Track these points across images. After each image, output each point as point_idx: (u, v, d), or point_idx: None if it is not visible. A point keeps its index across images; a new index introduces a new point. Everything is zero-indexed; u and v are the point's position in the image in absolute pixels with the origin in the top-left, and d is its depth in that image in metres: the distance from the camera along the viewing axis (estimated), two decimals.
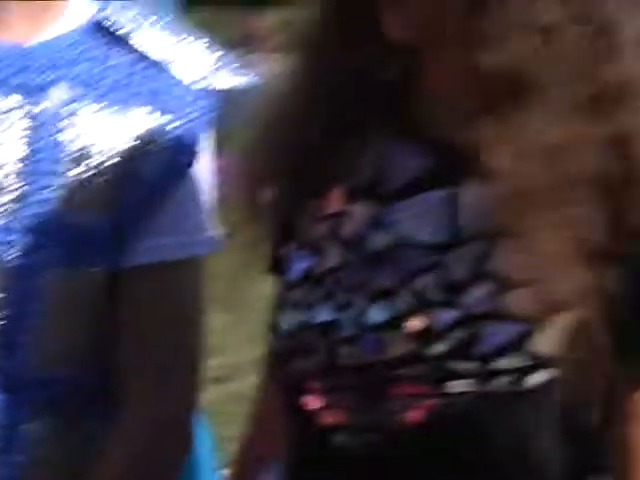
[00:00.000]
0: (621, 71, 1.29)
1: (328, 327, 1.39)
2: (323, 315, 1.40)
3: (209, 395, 2.34)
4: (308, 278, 1.44)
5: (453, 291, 1.34)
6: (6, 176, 1.56)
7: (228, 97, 1.75)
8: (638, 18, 1.33)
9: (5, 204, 1.56)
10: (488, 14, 1.28)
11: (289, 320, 1.43)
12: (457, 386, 1.31)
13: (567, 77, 1.30)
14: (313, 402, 1.40)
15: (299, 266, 1.46)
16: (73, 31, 1.64)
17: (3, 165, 1.56)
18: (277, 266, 1.53)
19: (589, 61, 1.29)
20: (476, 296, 1.33)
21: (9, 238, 1.55)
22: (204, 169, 1.68)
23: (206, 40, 1.80)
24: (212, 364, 2.46)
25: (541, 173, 1.27)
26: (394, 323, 1.34)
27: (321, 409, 1.40)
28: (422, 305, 1.34)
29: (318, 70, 1.47)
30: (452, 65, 1.37)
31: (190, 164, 1.65)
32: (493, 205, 1.31)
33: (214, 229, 1.68)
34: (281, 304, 1.46)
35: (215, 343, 2.53)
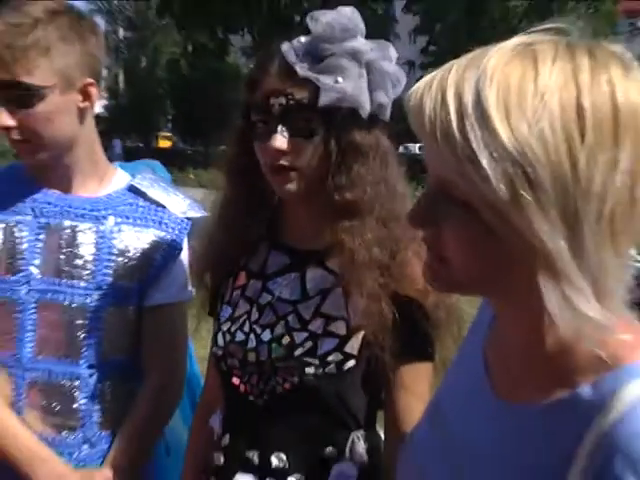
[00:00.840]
0: (391, 208, 1.54)
1: (242, 343, 1.61)
2: (239, 337, 1.62)
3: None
4: (230, 318, 1.66)
5: (304, 323, 1.56)
6: (85, 261, 1.82)
7: (195, 221, 1.97)
8: (401, 180, 1.60)
9: (85, 276, 1.81)
10: (343, 174, 1.51)
11: (221, 339, 1.65)
12: (309, 370, 1.52)
13: (376, 208, 1.53)
14: (236, 380, 1.62)
15: (225, 312, 1.68)
16: (118, 190, 1.92)
17: (83, 256, 1.82)
18: (214, 311, 1.74)
19: (381, 202, 1.54)
20: (316, 325, 1.55)
21: (89, 292, 1.80)
22: (185, 255, 1.95)
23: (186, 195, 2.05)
24: None
25: (367, 253, 1.50)
26: (275, 340, 1.57)
27: (239, 384, 1.62)
28: (289, 330, 1.57)
29: (234, 213, 1.66)
30: (304, 204, 1.59)
31: (179, 253, 1.93)
32: (341, 270, 1.53)
33: (190, 287, 1.94)
34: (217, 331, 1.68)
35: None
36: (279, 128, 1.48)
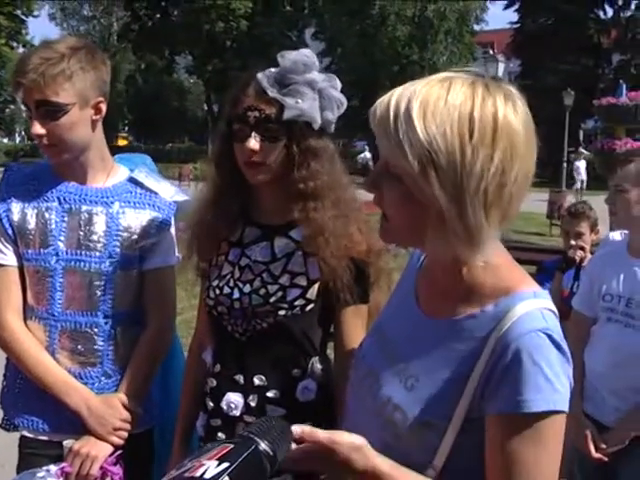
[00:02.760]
0: (339, 194, 1.62)
1: (228, 295, 1.65)
2: (226, 290, 1.66)
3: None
4: (218, 277, 1.69)
5: (275, 278, 1.62)
6: (98, 237, 1.84)
7: (180, 203, 1.98)
8: (345, 173, 1.68)
9: (98, 248, 1.83)
10: (304, 169, 1.59)
11: (212, 293, 1.69)
12: (281, 312, 1.60)
13: (329, 194, 1.61)
14: (224, 323, 1.67)
15: (213, 272, 1.71)
16: (120, 181, 1.93)
17: (97, 233, 1.83)
18: (204, 274, 1.75)
19: (332, 190, 1.61)
20: (284, 280, 1.61)
21: (102, 260, 1.83)
22: (173, 229, 1.96)
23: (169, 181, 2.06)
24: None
25: (332, 225, 1.58)
26: (254, 291, 1.62)
27: (227, 325, 1.66)
28: (264, 284, 1.62)
29: (219, 196, 1.69)
30: (270, 191, 1.65)
31: (169, 228, 1.93)
32: (305, 237, 1.60)
33: (178, 254, 1.93)
34: (208, 287, 1.70)
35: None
36: (253, 134, 1.57)
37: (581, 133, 37.92)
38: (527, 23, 39.80)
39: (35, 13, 39.15)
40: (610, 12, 39.94)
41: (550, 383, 1.03)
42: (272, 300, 1.61)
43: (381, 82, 35.22)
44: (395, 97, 1.08)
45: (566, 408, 1.05)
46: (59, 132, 1.75)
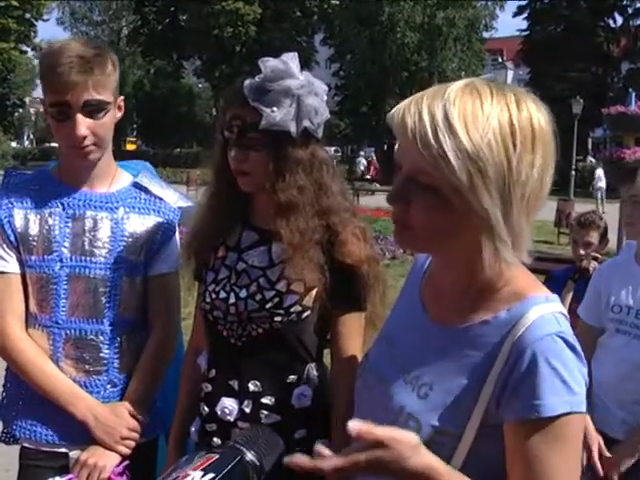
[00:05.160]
0: (328, 203, 1.63)
1: (224, 299, 1.65)
2: (222, 295, 1.66)
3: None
4: (214, 281, 1.70)
5: (272, 284, 1.62)
6: (103, 242, 1.83)
7: (184, 209, 1.99)
8: (337, 181, 1.69)
9: (103, 254, 1.82)
10: (279, 180, 1.59)
11: (208, 297, 1.69)
12: (276, 319, 1.60)
13: (308, 204, 1.61)
14: (220, 328, 1.68)
15: (209, 276, 1.72)
16: (124, 186, 1.92)
17: (101, 239, 1.83)
18: (200, 277, 1.76)
19: (316, 199, 1.62)
20: (280, 285, 1.61)
21: (107, 266, 1.82)
22: (177, 235, 1.96)
23: (175, 190, 2.08)
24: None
25: (300, 239, 1.58)
26: (250, 297, 1.63)
27: (223, 330, 1.67)
28: (260, 289, 1.63)
29: (218, 201, 1.71)
30: (265, 197, 1.64)
31: (173, 234, 1.94)
32: (285, 249, 1.60)
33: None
34: (204, 291, 1.71)
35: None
36: (236, 143, 1.60)
37: (590, 141, 37.83)
38: (536, 31, 39.80)
39: (45, 17, 39.38)
40: (620, 20, 39.94)
41: (567, 385, 1.05)
42: (268, 306, 1.62)
43: (390, 88, 35.31)
44: (425, 107, 1.06)
45: (584, 409, 1.07)
46: (102, 131, 1.78)
